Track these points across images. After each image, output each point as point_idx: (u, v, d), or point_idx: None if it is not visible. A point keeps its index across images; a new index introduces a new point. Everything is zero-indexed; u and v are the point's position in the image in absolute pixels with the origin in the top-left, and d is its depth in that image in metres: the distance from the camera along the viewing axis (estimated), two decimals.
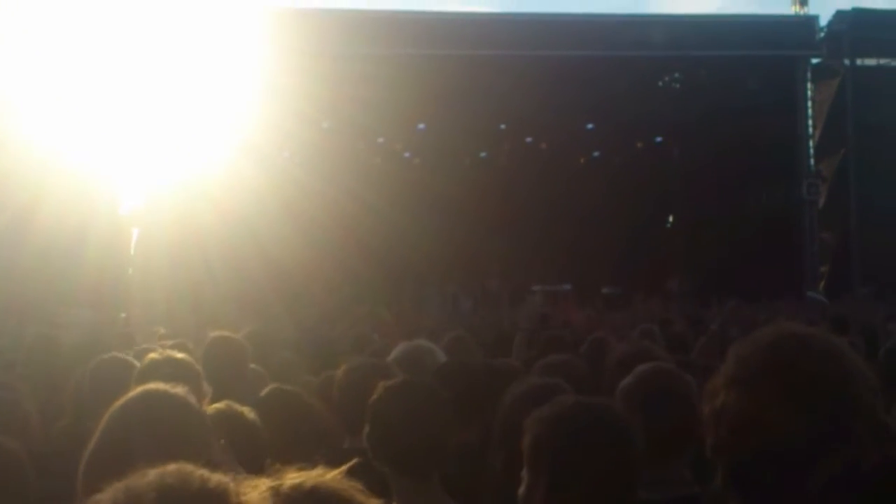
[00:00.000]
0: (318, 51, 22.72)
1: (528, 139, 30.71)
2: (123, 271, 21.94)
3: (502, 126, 29.38)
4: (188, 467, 1.48)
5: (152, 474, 1.43)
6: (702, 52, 25.29)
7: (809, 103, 26.65)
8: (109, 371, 4.94)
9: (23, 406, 4.71)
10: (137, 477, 1.43)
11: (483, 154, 30.65)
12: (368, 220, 24.60)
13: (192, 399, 2.61)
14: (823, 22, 26.25)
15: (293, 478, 1.56)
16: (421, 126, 28.50)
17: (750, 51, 25.06)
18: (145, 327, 11.99)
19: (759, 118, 25.23)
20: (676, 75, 27.81)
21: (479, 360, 5.86)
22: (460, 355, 5.38)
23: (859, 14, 26.35)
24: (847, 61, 26.52)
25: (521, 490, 2.59)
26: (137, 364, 5.23)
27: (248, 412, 3.78)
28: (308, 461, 1.67)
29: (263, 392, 4.75)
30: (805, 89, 26.50)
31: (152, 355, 4.61)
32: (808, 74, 26.63)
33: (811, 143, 26.64)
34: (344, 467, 1.64)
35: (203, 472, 1.48)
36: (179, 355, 4.60)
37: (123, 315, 15.79)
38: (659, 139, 31.44)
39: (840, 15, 26.45)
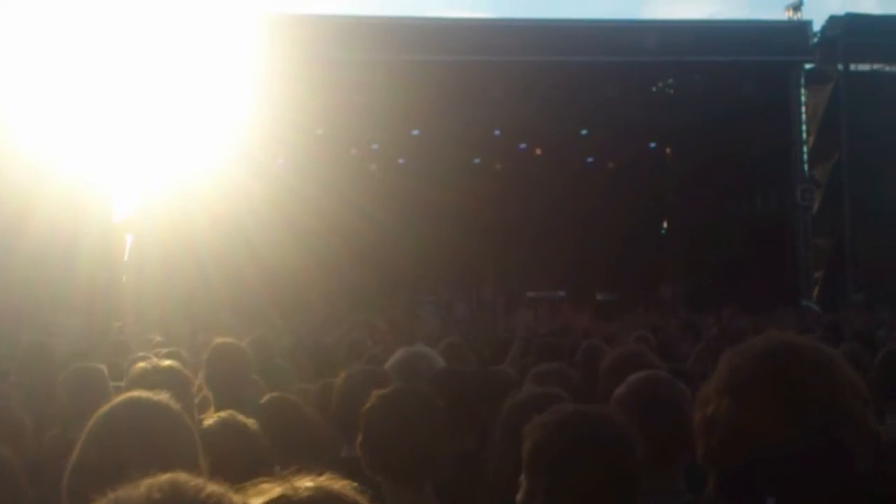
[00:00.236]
0: (311, 57, 22.73)
1: (522, 145, 30.72)
2: (117, 278, 21.90)
3: (496, 132, 29.39)
4: (181, 478, 1.47)
5: (143, 486, 1.42)
6: (695, 57, 25.31)
7: (803, 109, 26.68)
8: (80, 380, 4.95)
9: (16, 414, 4.70)
10: (127, 490, 1.41)
11: (477, 160, 30.66)
12: (363, 227, 24.59)
13: (175, 405, 2.60)
14: (817, 27, 26.31)
15: (303, 483, 1.55)
16: (415, 132, 28.51)
17: (744, 56, 25.09)
18: (140, 335, 11.97)
19: (752, 124, 25.29)
20: (670, 81, 27.85)
21: (474, 367, 5.85)
22: (455, 362, 5.37)
23: (853, 19, 26.41)
24: (841, 66, 26.55)
25: (520, 496, 2.58)
26: (105, 371, 5.25)
27: (251, 423, 3.77)
28: (305, 469, 1.67)
29: (263, 400, 4.74)
30: (799, 95, 26.54)
31: (141, 364, 4.60)
32: (802, 80, 26.67)
33: (805, 149, 26.66)
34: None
35: (197, 483, 1.47)
36: (167, 363, 4.59)
37: (118, 324, 15.75)
38: (653, 145, 31.50)
39: (833, 20, 26.50)
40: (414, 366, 4.72)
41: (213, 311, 17.02)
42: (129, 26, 21.85)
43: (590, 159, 32.03)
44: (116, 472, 1.52)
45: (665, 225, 32.75)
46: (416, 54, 23.77)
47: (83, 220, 19.27)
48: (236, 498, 1.52)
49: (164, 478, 1.46)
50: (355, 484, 1.66)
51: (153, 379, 3.82)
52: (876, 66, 27.71)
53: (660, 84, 28.03)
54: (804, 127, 26.66)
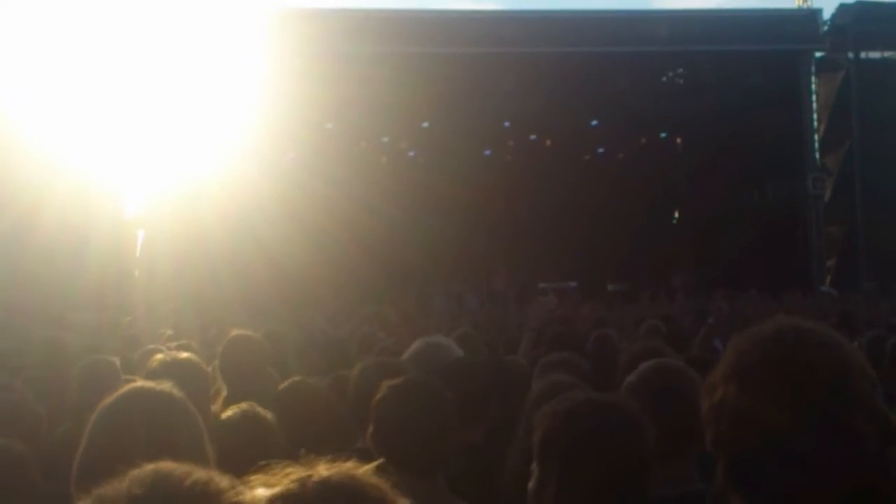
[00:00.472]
0: (320, 51, 22.72)
1: (533, 136, 30.70)
2: (128, 273, 21.98)
3: (506, 123, 29.38)
4: (166, 467, 1.46)
5: (125, 480, 1.42)
6: (705, 47, 25.24)
7: (814, 97, 26.58)
8: (92, 373, 4.96)
9: (30, 409, 4.72)
10: (112, 485, 1.42)
11: (487, 152, 30.64)
12: (373, 220, 24.58)
13: (179, 394, 2.60)
14: (827, 15, 26.18)
15: (323, 469, 1.54)
16: (425, 125, 28.51)
17: (753, 45, 24.98)
18: (151, 329, 12.00)
19: (763, 113, 25.19)
20: (680, 70, 27.79)
21: (485, 358, 5.85)
22: (467, 352, 5.36)
23: (863, 7, 26.28)
24: (851, 55, 26.43)
25: (531, 484, 2.58)
26: (118, 364, 5.26)
27: (270, 415, 3.78)
28: (322, 457, 1.66)
29: (283, 385, 4.74)
30: (809, 83, 26.43)
31: (159, 356, 4.62)
32: (812, 68, 26.56)
33: (816, 138, 26.57)
34: (373, 464, 1.63)
35: (182, 470, 1.46)
36: (185, 355, 4.62)
37: (129, 319, 15.79)
38: (663, 135, 31.45)
39: (843, 8, 26.38)
40: (433, 356, 4.70)
41: (224, 305, 17.03)
42: (139, 23, 21.90)
43: (600, 150, 31.99)
44: (122, 462, 1.52)
45: (676, 215, 32.68)
46: (425, 47, 23.76)
47: (94, 215, 19.35)
48: (226, 482, 1.52)
49: (148, 469, 1.46)
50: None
51: (171, 371, 3.83)
52: (887, 54, 27.57)
53: (670, 74, 27.97)
54: (815, 115, 26.56)
